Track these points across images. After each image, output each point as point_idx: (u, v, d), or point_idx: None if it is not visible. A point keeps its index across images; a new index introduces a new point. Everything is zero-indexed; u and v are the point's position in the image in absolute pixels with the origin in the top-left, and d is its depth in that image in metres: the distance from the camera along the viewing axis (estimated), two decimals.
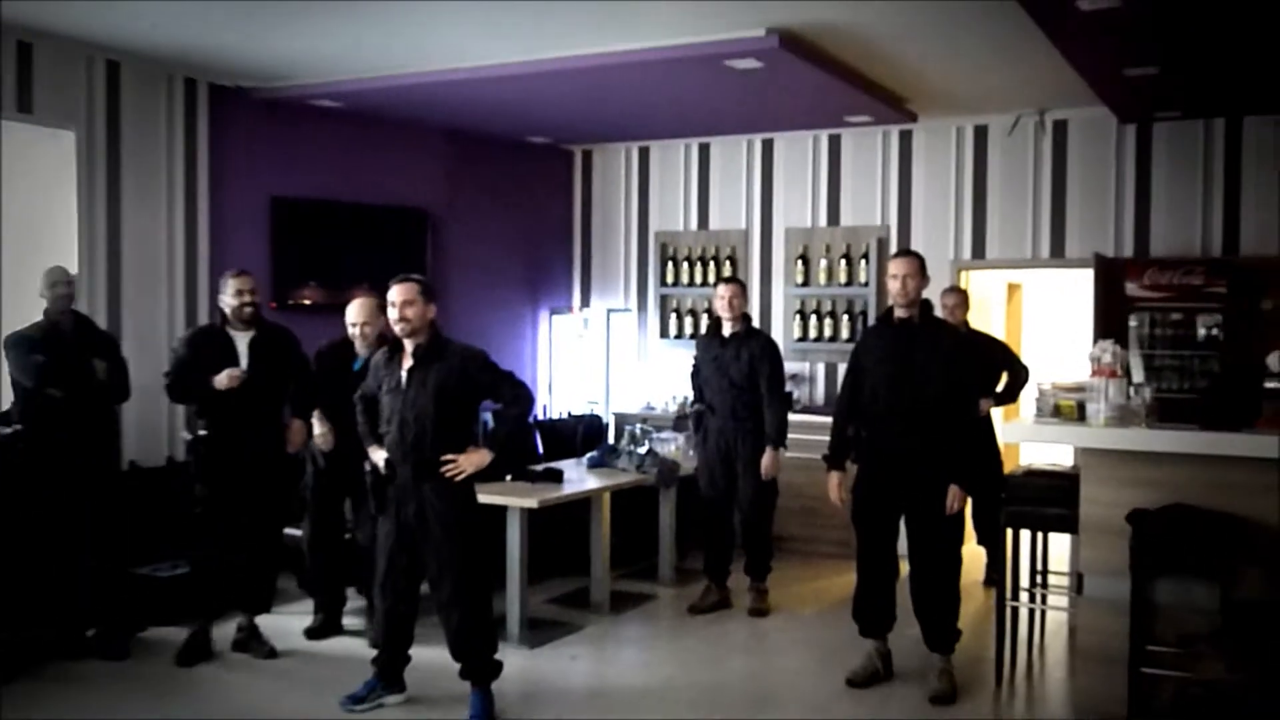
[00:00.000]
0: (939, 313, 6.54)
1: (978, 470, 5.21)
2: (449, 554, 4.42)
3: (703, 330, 7.33)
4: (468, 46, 6.03)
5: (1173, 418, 4.66)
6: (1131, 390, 4.46)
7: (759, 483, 6.04)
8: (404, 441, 4.39)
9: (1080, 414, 4.52)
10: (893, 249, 7.98)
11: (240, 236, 6.93)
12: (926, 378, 4.71)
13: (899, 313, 4.85)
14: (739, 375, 6.03)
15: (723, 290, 6.08)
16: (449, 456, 4.37)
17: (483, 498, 5.56)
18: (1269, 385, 4.43)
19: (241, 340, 5.19)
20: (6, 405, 5.30)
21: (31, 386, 5.04)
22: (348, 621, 5.71)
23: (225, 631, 5.40)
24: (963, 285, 7.85)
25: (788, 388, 8.20)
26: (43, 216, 5.97)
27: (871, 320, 8.00)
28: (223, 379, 5.03)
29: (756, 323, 8.39)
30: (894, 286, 4.80)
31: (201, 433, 5.25)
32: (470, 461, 4.40)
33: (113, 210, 6.24)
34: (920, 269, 4.82)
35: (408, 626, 4.64)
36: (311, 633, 5.60)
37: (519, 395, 4.49)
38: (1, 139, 5.68)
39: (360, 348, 5.40)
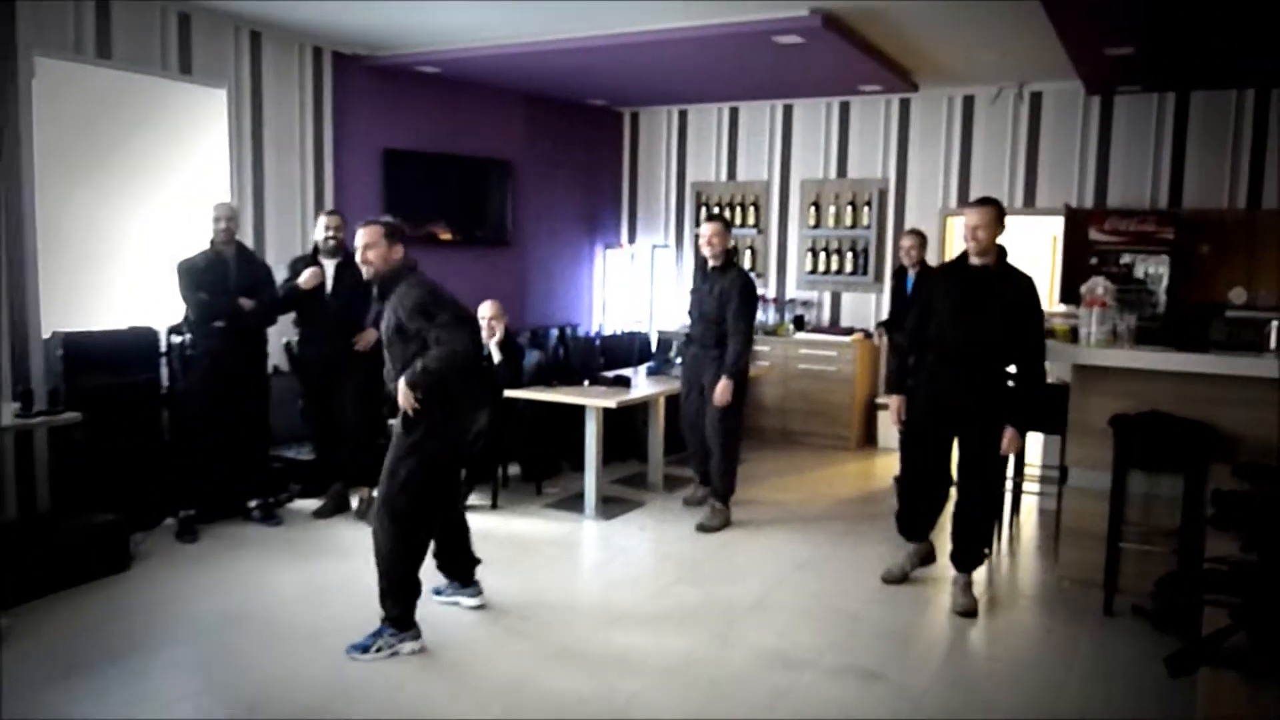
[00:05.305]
0: (900, 255, 6.21)
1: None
2: (383, 476, 3.69)
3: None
4: (546, 22, 5.82)
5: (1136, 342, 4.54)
6: (1117, 318, 4.37)
7: (717, 410, 5.27)
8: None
9: (1074, 336, 4.44)
10: (891, 199, 7.86)
11: (358, 180, 6.77)
12: (998, 322, 4.03)
13: (974, 260, 4.09)
14: (711, 309, 5.30)
15: (705, 229, 5.34)
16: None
17: (564, 398, 5.57)
18: (1230, 315, 4.35)
19: (330, 265, 5.21)
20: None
21: (196, 319, 4.97)
22: None
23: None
24: (948, 230, 7.75)
25: (799, 311, 8.20)
26: (201, 160, 5.83)
27: (873, 257, 7.91)
28: (304, 277, 5.13)
29: (774, 259, 8.37)
30: (966, 235, 4.07)
31: (294, 339, 5.37)
32: (400, 394, 3.61)
33: (256, 157, 6.08)
34: (993, 219, 4.01)
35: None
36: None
37: (441, 339, 3.54)
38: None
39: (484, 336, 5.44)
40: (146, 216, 5.54)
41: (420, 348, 3.59)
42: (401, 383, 3.57)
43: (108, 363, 5.03)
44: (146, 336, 5.22)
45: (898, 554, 4.63)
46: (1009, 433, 4.08)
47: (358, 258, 3.71)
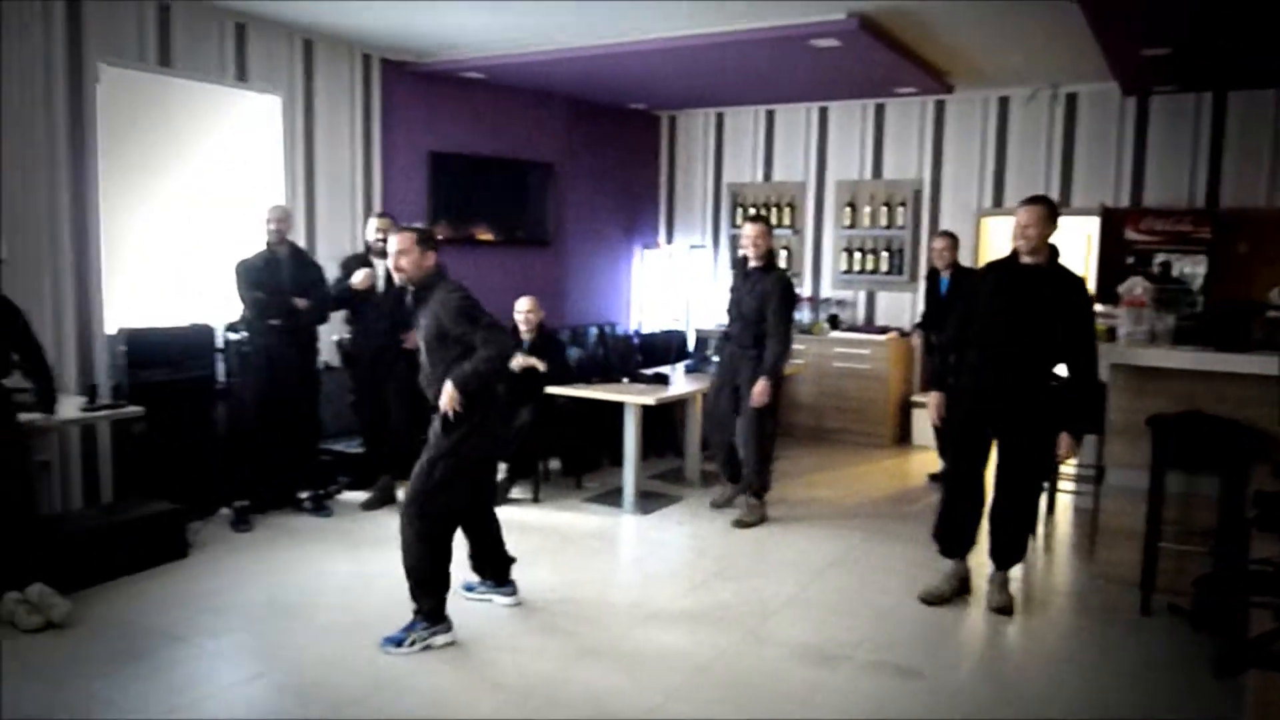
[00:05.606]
0: (932, 257, 6.05)
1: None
2: (417, 472, 3.62)
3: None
4: (587, 28, 5.79)
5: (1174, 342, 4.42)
6: (1155, 317, 4.25)
7: (753, 410, 5.14)
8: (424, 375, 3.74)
9: (1111, 336, 4.33)
10: (926, 199, 7.74)
11: (405, 182, 6.81)
12: (1046, 322, 3.83)
13: (1025, 258, 3.88)
14: (750, 309, 5.17)
15: (748, 229, 5.21)
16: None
17: (604, 395, 5.53)
18: (1271, 315, 4.21)
19: (381, 266, 5.17)
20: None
21: (252, 317, 5.02)
22: None
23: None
24: (982, 231, 7.62)
25: (834, 310, 8.10)
26: (256, 162, 5.90)
27: (908, 257, 7.80)
28: (358, 278, 5.16)
29: (809, 258, 8.28)
30: (1016, 233, 3.88)
31: (346, 336, 5.38)
32: (446, 396, 3.53)
33: (309, 159, 6.13)
34: (1044, 217, 3.81)
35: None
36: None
37: (487, 341, 3.48)
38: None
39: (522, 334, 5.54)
40: (203, 218, 5.61)
41: (461, 351, 3.51)
42: (449, 385, 3.49)
43: (168, 359, 5.10)
44: (204, 334, 5.29)
45: (931, 565, 4.44)
46: (1066, 439, 3.86)
47: (390, 264, 3.62)
